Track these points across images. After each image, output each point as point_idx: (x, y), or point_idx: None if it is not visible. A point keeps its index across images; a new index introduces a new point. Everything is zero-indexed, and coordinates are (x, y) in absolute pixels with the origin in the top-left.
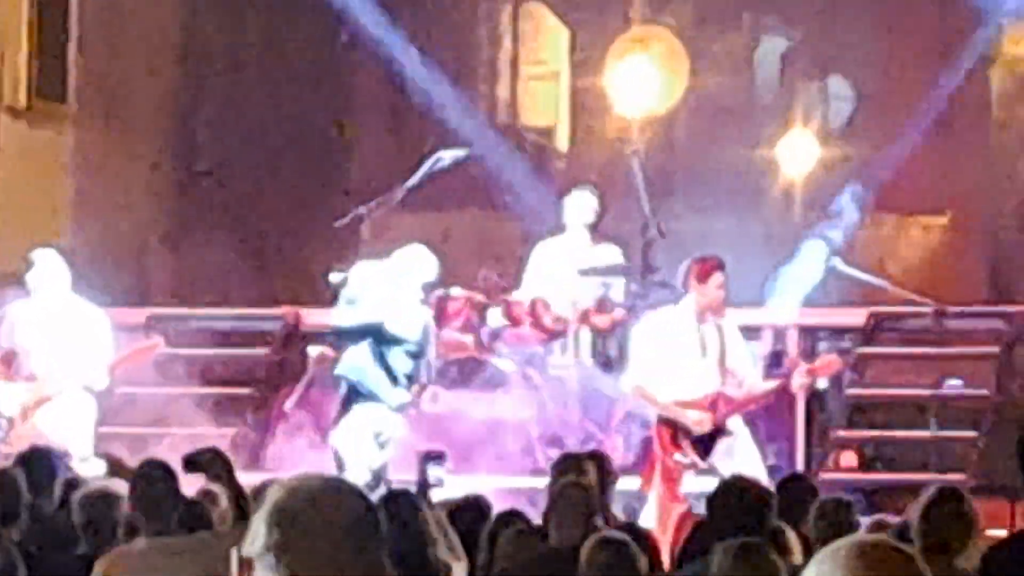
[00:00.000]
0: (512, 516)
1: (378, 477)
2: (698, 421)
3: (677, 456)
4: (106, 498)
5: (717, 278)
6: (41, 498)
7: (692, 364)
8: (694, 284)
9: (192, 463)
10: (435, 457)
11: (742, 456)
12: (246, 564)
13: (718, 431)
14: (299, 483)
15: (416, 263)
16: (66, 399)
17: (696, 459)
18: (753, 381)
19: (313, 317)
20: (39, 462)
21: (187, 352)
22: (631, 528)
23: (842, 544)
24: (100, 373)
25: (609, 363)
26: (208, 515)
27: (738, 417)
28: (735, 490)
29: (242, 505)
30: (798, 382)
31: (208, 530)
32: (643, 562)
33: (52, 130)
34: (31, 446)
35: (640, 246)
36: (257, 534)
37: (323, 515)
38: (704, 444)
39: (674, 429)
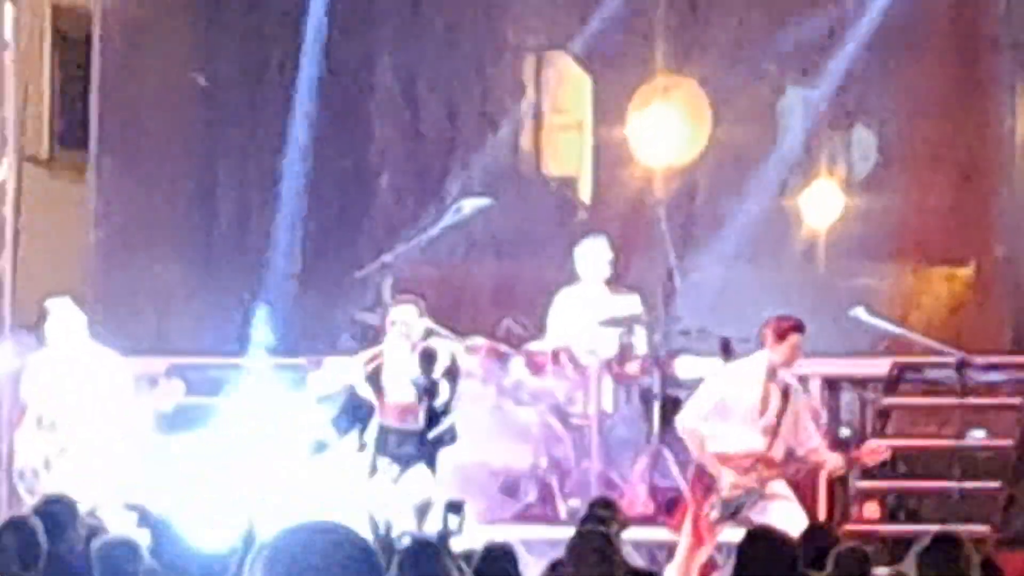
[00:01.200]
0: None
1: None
2: (734, 485)
3: (706, 510)
4: (125, 548)
5: (794, 339)
6: (59, 545)
7: (747, 420)
8: (770, 342)
9: None
10: (455, 506)
11: (778, 515)
12: None
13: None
14: (296, 529)
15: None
16: (88, 448)
17: (727, 515)
18: (812, 447)
19: (335, 366)
20: (57, 509)
21: (208, 400)
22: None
23: None
24: (120, 422)
25: (633, 413)
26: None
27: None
28: (765, 540)
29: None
30: (834, 465)
31: None
32: None
33: (74, 179)
34: (48, 494)
35: (661, 295)
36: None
37: (318, 557)
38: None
39: (710, 481)
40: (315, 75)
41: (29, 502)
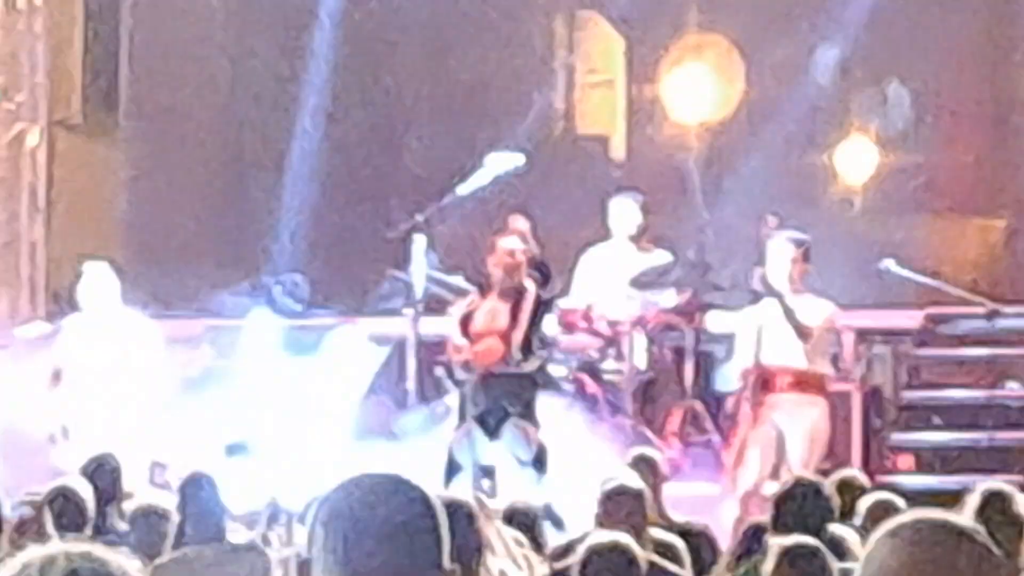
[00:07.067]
0: None
1: None
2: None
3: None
4: (153, 512)
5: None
6: (105, 508)
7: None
8: None
9: None
10: (486, 471)
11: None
12: (305, 567)
13: None
14: (355, 483)
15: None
16: (120, 412)
17: None
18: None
19: (368, 327)
20: (102, 472)
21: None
22: (684, 530)
23: (903, 521)
24: (152, 388)
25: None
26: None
27: None
28: (801, 491)
29: None
30: None
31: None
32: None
33: (105, 143)
34: (94, 457)
35: (694, 250)
36: (314, 536)
37: (381, 515)
38: None
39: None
40: (340, 35)
41: (61, 464)
